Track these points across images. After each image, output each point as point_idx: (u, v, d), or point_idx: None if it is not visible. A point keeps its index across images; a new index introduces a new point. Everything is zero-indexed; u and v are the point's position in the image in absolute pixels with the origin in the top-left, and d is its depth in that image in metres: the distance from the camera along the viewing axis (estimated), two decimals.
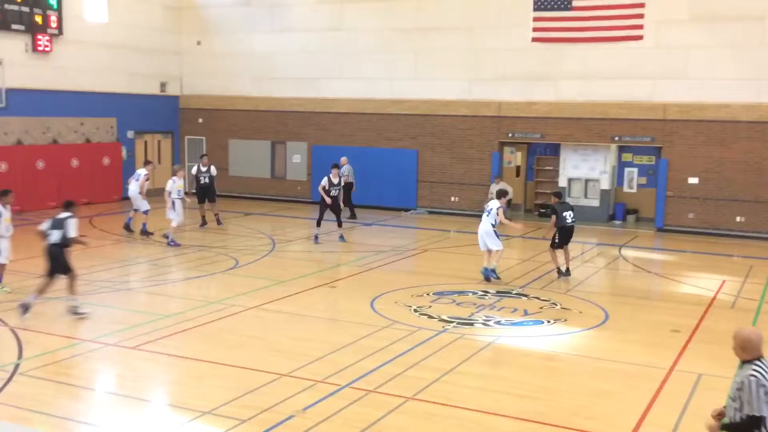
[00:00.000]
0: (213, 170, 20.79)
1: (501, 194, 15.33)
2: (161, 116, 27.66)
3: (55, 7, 23.00)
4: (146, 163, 20.11)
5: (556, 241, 15.17)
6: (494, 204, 14.82)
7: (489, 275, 14.65)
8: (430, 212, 24.53)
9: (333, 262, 16.44)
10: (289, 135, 26.73)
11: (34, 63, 22.71)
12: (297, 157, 26.67)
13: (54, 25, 23.02)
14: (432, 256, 17.38)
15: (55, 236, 11.57)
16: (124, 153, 25.57)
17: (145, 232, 18.71)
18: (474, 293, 13.76)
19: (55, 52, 23.21)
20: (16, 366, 9.35)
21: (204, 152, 24.78)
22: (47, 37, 22.86)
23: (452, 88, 24.17)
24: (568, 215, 15.11)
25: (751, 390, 5.39)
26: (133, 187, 18.78)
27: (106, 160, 24.72)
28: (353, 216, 23.03)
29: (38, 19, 22.52)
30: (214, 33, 27.57)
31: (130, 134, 26.24)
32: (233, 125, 27.57)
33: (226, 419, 7.88)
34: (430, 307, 12.69)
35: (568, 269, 15.20)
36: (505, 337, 11.18)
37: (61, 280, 11.92)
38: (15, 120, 21.91)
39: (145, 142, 27.17)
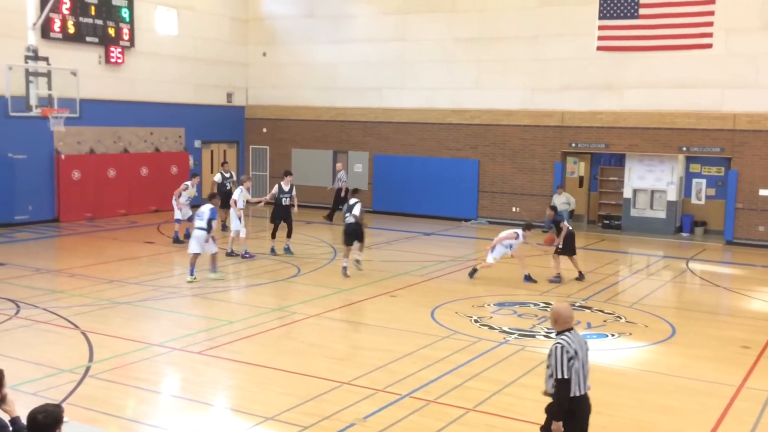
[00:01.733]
0: (235, 176, 21.72)
1: (527, 227, 15.88)
2: (227, 126, 28.26)
3: (128, 20, 23.78)
4: (193, 175, 20.41)
5: (560, 247, 15.76)
6: (519, 231, 15.62)
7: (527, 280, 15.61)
8: (491, 222, 24.37)
9: (393, 271, 16.50)
10: (351, 144, 26.97)
11: (107, 74, 23.50)
12: (358, 167, 26.87)
13: (126, 37, 23.79)
14: (493, 267, 17.24)
15: (350, 218, 15.86)
16: (191, 162, 26.19)
17: (178, 240, 19.01)
18: (535, 305, 13.62)
19: (126, 64, 23.99)
20: (87, 369, 9.66)
21: (225, 160, 25.28)
22: (119, 50, 23.65)
23: (514, 97, 24.02)
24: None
25: (555, 356, 6.06)
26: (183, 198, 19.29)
27: (174, 169, 25.35)
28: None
29: (111, 31, 23.32)
30: (278, 44, 28.06)
31: (197, 144, 26.88)
32: (296, 135, 27.97)
33: (287, 425, 7.99)
34: (491, 317, 12.62)
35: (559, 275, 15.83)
36: None
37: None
38: (88, 129, 22.68)
39: (212, 152, 27.78)
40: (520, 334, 11.62)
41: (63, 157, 22.14)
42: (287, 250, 18.00)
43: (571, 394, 6.06)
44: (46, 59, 17.64)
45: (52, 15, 21.12)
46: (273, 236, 18.19)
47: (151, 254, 17.84)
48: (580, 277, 15.88)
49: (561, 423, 6.09)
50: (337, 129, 27.16)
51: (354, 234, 15.86)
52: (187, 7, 26.08)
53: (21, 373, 9.18)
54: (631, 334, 11.90)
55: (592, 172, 24.58)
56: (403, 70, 25.72)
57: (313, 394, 8.86)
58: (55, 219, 22.12)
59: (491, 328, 11.95)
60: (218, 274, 15.22)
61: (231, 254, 17.50)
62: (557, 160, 23.56)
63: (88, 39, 22.69)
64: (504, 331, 11.74)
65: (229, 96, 28.30)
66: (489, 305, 13.50)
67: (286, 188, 18.07)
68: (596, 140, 22.95)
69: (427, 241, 21.16)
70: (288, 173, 18.82)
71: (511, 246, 15.58)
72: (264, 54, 28.33)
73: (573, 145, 23.33)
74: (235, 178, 21.71)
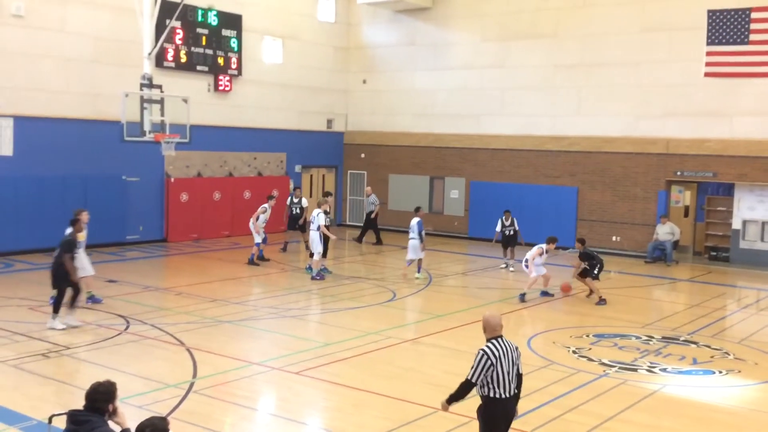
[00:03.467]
0: (304, 202, 21.88)
1: (551, 240, 16.62)
2: (326, 151, 28.89)
3: (236, 49, 24.78)
4: (269, 197, 20.88)
5: (595, 273, 16.22)
6: (541, 246, 16.45)
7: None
8: None
9: (489, 298, 16.36)
10: (448, 170, 27.03)
11: (215, 101, 24.51)
12: (455, 193, 26.88)
13: (234, 66, 24.79)
14: (592, 297, 16.85)
15: (510, 230, 19.85)
16: (291, 186, 26.85)
17: (253, 262, 19.46)
18: (637, 337, 13.19)
19: (234, 92, 24.96)
20: (191, 384, 10.01)
21: (298, 185, 25.34)
22: (228, 78, 24.65)
23: (616, 124, 23.52)
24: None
25: (477, 360, 6.65)
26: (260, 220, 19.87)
27: (275, 193, 26.01)
28: (379, 242, 24.46)
29: (220, 60, 24.35)
30: (378, 71, 28.55)
31: (297, 168, 27.59)
32: (393, 160, 28.28)
33: None
34: (590, 349, 12.31)
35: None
36: (671, 385, 10.62)
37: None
38: (196, 154, 23.67)
39: (311, 176, 28.43)
40: (621, 367, 11.28)
41: (172, 180, 23.17)
42: (309, 269, 18.44)
43: (497, 396, 6.64)
44: (159, 87, 18.59)
45: (166, 45, 22.22)
46: (325, 255, 18.58)
47: (252, 275, 18.37)
48: (601, 300, 16.01)
49: (449, 406, 6.88)
50: (434, 155, 27.29)
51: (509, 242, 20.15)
52: (293, 37, 26.94)
53: (130, 386, 9.60)
54: (740, 371, 11.35)
55: (699, 201, 23.68)
56: (502, 97, 25.65)
57: (408, 418, 8.87)
58: (164, 239, 23.11)
59: (590, 359, 11.66)
60: (422, 275, 18.11)
61: (315, 275, 17.91)
62: (661, 189, 22.85)
63: (198, 68, 23.76)
64: (604, 364, 11.43)
65: (329, 122, 28.95)
66: (588, 336, 13.17)
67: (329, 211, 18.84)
68: (703, 168, 22.14)
69: (522, 268, 20.82)
70: (327, 194, 19.95)
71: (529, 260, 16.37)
72: (364, 81, 28.87)
73: (678, 173, 22.58)
74: (304, 204, 21.78)
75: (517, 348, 6.89)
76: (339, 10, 28.71)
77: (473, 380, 6.64)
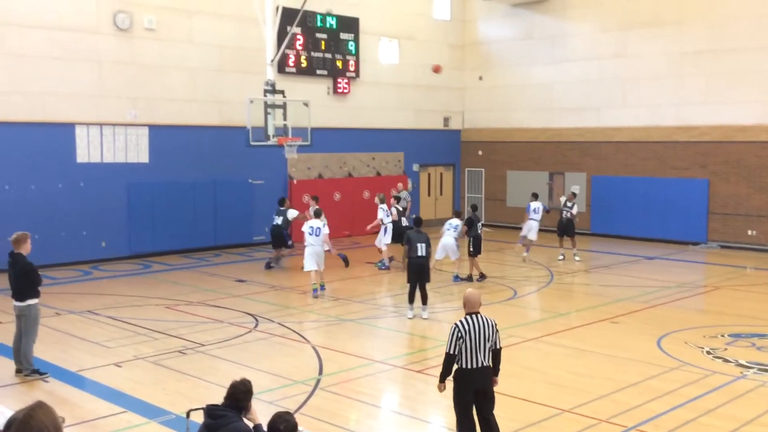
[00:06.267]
0: (291, 213, 19.57)
1: (457, 214, 18.57)
2: (444, 149, 28.91)
3: (354, 52, 25.22)
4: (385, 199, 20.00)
5: (471, 250, 17.19)
6: (456, 221, 17.49)
7: (455, 279, 17.26)
8: (723, 247, 22.65)
9: (614, 296, 15.88)
10: (568, 165, 26.42)
11: (334, 104, 25.04)
12: (576, 188, 26.20)
13: (352, 69, 25.23)
14: (726, 294, 16.04)
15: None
16: (410, 185, 27.02)
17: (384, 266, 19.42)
18: None
19: (352, 94, 25.42)
20: (317, 381, 10.29)
21: (284, 196, 22.06)
22: (346, 80, 25.13)
23: (749, 111, 22.22)
24: (478, 226, 17.44)
25: (450, 333, 7.38)
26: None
27: (393, 192, 26.27)
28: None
29: (339, 64, 24.86)
30: (494, 67, 28.27)
31: (415, 167, 27.76)
32: (511, 156, 27.93)
33: None
34: (726, 349, 11.72)
35: (482, 275, 17.46)
36: None
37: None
38: (317, 156, 24.27)
39: (429, 175, 28.53)
40: (759, 369, 10.68)
41: (295, 181, 23.85)
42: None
43: (463, 366, 7.32)
44: (282, 92, 19.17)
45: (287, 51, 22.91)
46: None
47: (371, 274, 18.64)
48: (481, 278, 17.36)
49: (443, 384, 7.56)
50: (553, 150, 26.74)
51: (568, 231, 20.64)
52: (408, 37, 27.13)
53: (259, 382, 9.91)
54: None
55: None
56: (624, 88, 24.80)
57: (532, 419, 8.76)
58: None
59: (726, 360, 11.10)
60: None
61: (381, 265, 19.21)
62: None
63: (318, 72, 24.35)
64: (741, 365, 10.86)
65: (446, 120, 28.95)
66: (723, 336, 12.55)
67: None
68: None
69: (649, 265, 20.12)
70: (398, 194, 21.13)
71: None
72: (480, 78, 28.67)
73: None
74: (291, 216, 19.39)
75: (494, 324, 7.47)
76: (454, 8, 28.66)
77: (451, 352, 7.33)
